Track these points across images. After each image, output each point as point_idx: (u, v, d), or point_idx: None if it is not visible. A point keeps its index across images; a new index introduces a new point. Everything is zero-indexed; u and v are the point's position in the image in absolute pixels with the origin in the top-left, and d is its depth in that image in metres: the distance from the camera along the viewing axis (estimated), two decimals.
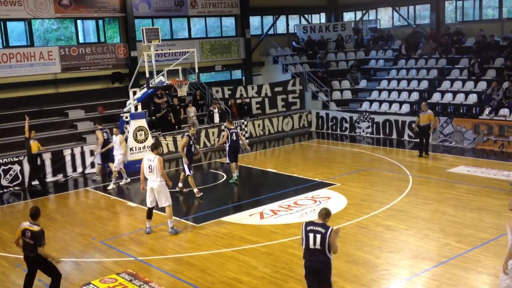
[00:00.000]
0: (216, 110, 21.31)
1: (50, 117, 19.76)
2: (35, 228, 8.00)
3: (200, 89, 22.85)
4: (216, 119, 21.17)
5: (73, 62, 20.98)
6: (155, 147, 11.55)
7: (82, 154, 17.64)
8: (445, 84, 22.23)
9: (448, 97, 21.51)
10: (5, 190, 16.06)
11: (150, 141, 17.93)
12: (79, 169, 17.62)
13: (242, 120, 21.84)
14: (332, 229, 6.89)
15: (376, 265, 9.37)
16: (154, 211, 11.62)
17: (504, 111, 18.93)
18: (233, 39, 26.31)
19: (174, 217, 11.72)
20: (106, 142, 16.52)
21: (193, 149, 14.22)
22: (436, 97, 21.86)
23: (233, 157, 15.34)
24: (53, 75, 20.63)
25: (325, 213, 7.02)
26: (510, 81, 19.55)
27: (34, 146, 15.83)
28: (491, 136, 18.30)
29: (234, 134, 15.22)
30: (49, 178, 16.91)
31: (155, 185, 11.16)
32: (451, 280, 8.64)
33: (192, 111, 20.91)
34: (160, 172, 11.04)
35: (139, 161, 17.61)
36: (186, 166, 14.04)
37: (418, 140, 18.08)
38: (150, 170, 11.16)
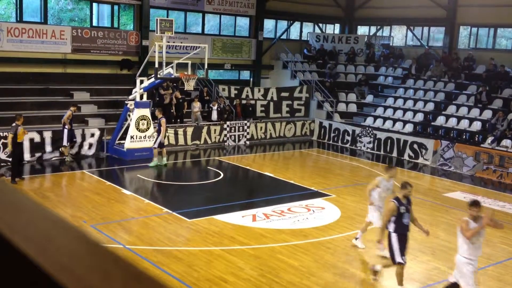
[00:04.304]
0: (215, 108, 21.30)
1: (55, 96, 19.75)
2: None
3: (207, 86, 22.84)
4: (214, 116, 21.17)
5: (84, 44, 20.98)
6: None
7: (83, 136, 17.61)
8: (451, 109, 22.25)
9: (452, 122, 21.53)
10: (2, 164, 16.04)
11: (151, 130, 17.93)
12: (75, 150, 17.52)
13: (245, 121, 21.84)
14: None
15: (363, 280, 9.35)
16: (146, 201, 11.67)
17: (506, 142, 18.94)
18: (246, 39, 26.34)
19: (166, 209, 11.76)
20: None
21: (405, 220, 8.84)
22: (440, 121, 21.88)
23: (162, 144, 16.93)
24: (63, 55, 20.64)
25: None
26: None
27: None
28: (491, 165, 18.29)
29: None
30: (47, 156, 16.91)
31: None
32: None
33: (197, 106, 20.91)
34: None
35: (139, 150, 17.73)
36: (397, 254, 8.69)
37: None
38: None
